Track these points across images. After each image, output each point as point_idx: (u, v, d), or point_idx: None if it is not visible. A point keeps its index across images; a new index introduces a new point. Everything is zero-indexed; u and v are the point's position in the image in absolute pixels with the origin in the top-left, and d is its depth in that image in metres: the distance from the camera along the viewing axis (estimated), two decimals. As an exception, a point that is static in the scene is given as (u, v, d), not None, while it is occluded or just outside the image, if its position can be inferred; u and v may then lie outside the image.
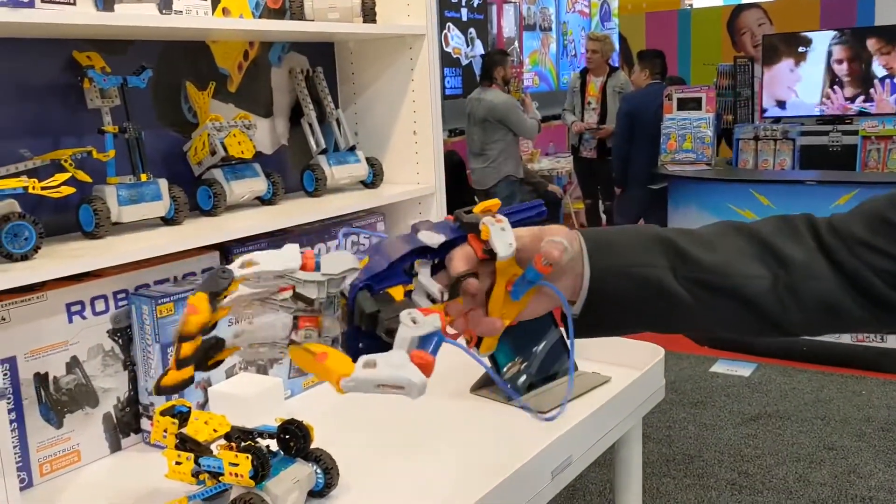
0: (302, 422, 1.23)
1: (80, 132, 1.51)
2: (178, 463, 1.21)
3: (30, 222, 1.25)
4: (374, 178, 1.95)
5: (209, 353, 0.77)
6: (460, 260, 0.76)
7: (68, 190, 1.27)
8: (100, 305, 1.40)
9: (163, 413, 1.24)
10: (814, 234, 0.82)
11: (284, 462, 1.21)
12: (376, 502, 1.25)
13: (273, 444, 1.23)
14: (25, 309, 1.29)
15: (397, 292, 0.76)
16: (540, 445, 1.40)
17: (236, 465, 1.14)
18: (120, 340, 1.43)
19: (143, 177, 1.49)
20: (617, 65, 6.86)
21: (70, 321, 1.35)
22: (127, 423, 1.45)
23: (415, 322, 0.69)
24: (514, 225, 0.79)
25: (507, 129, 5.49)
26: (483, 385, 1.62)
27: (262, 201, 1.77)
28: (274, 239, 1.73)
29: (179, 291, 1.43)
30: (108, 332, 1.41)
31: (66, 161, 1.41)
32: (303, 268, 0.74)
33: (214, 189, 1.62)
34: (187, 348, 0.74)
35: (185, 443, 1.22)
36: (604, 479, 3.01)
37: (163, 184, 1.51)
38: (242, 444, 1.21)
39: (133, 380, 1.45)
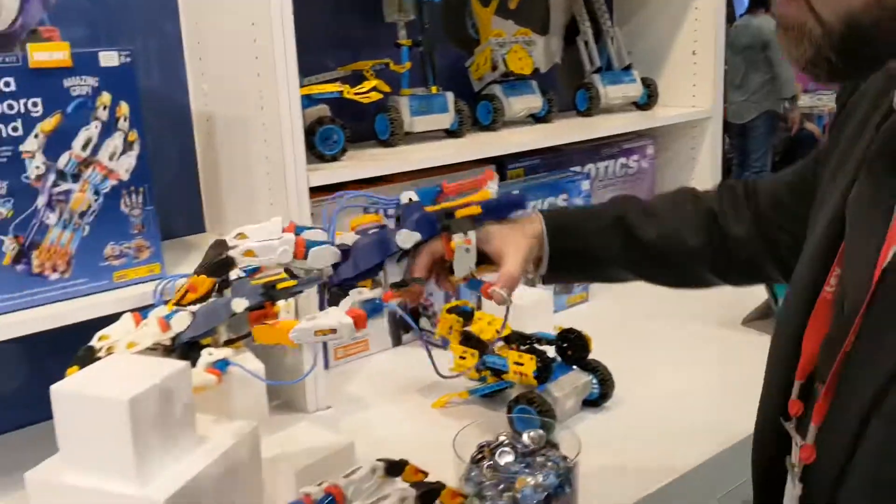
0: (581, 332, 1.25)
1: (377, 45, 1.60)
2: (462, 357, 1.28)
3: (339, 126, 1.35)
4: (649, 100, 1.89)
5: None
6: (422, 264, 0.89)
7: (376, 96, 1.36)
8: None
9: (449, 311, 1.32)
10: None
11: (562, 368, 1.25)
12: (648, 417, 1.25)
13: (550, 351, 1.27)
14: (329, 208, 1.40)
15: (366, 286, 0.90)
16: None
17: (521, 364, 1.19)
18: (407, 243, 1.52)
19: (434, 89, 1.56)
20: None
21: (366, 221, 1.46)
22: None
23: (360, 293, 0.84)
24: (498, 221, 0.93)
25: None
26: (757, 317, 1.56)
27: (536, 119, 1.79)
28: (546, 157, 1.75)
29: (462, 200, 1.49)
30: (397, 234, 1.51)
31: (367, 72, 1.50)
32: (295, 255, 0.86)
33: (494, 104, 1.66)
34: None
35: (468, 340, 1.29)
36: None
37: (450, 97, 1.57)
38: (521, 347, 1.26)
39: (415, 280, 1.55)
